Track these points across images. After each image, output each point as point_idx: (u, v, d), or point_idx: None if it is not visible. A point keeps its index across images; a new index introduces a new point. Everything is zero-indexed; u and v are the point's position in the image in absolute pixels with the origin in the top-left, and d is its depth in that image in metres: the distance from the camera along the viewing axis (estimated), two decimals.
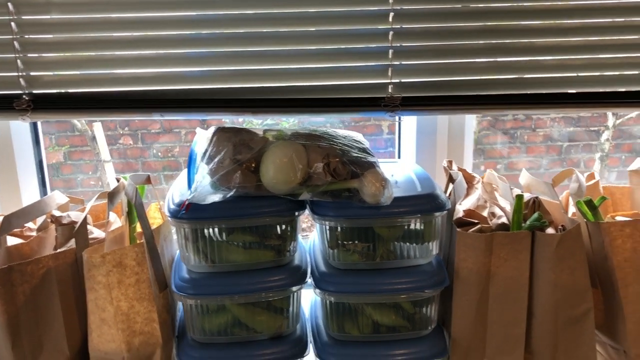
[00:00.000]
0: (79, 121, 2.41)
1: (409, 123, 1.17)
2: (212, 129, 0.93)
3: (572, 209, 1.03)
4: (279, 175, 0.84)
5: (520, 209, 0.93)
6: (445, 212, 0.90)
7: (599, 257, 0.98)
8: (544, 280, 0.92)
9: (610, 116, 2.66)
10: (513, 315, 0.94)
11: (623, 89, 1.07)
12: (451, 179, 1.04)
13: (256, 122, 1.47)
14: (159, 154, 2.55)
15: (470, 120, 1.18)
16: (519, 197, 0.93)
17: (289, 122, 1.67)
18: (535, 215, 0.92)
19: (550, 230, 0.95)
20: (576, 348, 0.96)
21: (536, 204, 0.95)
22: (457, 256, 0.92)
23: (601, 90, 1.06)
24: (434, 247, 0.93)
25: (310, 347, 0.96)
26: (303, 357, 0.94)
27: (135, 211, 0.92)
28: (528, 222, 0.92)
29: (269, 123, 1.43)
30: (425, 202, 0.89)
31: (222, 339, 0.93)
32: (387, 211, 0.87)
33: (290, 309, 0.93)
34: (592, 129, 2.75)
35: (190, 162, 0.92)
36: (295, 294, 0.93)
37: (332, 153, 0.85)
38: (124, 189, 0.93)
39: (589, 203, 0.96)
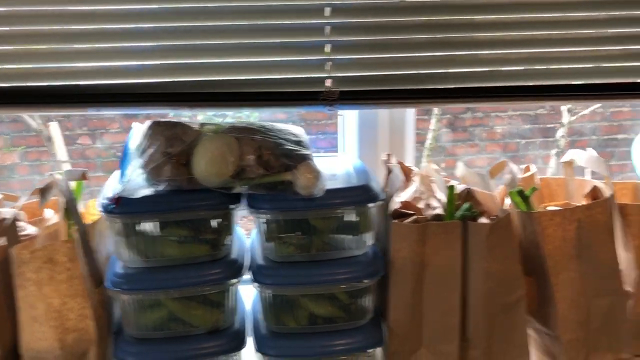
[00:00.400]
0: (34, 120, 2.36)
1: (351, 118, 1.17)
2: (147, 123, 0.91)
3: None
4: (211, 168, 0.83)
5: (452, 200, 0.95)
6: (378, 203, 0.91)
7: (531, 245, 1.00)
8: (477, 269, 0.94)
9: (565, 113, 2.73)
10: (448, 304, 0.95)
11: (578, 82, 1.09)
12: (390, 172, 1.04)
13: (217, 120, 1.46)
14: (118, 153, 2.51)
15: (411, 115, 1.19)
16: (451, 188, 0.94)
17: (253, 116, 1.67)
18: (466, 205, 0.93)
19: (484, 220, 0.96)
20: (510, 334, 0.98)
21: (469, 194, 0.97)
22: (392, 246, 0.93)
23: (547, 83, 1.08)
24: (369, 238, 0.93)
25: (250, 341, 0.95)
26: (240, 350, 0.94)
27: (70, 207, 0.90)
28: (459, 212, 0.93)
29: (229, 120, 1.41)
30: (358, 194, 0.89)
31: (159, 334, 0.91)
32: (321, 203, 0.87)
33: (227, 303, 0.93)
34: (549, 126, 2.82)
35: (124, 157, 0.90)
36: (232, 287, 0.93)
37: (264, 145, 0.84)
38: (57, 185, 0.91)
39: (521, 193, 0.98)
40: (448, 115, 2.73)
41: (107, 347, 0.93)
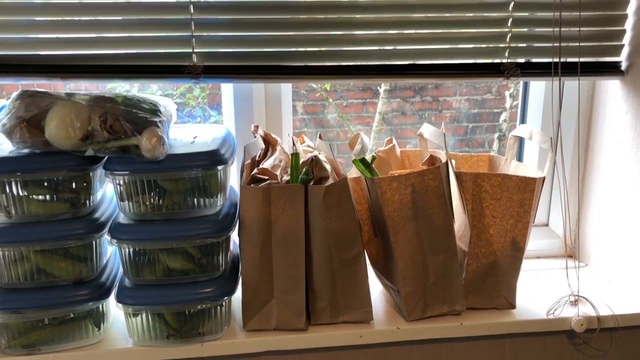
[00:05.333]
0: None
1: (228, 92, 1.23)
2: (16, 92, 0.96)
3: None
4: (59, 131, 0.88)
5: (297, 166, 1.01)
6: (223, 166, 0.97)
7: (376, 208, 1.07)
8: (317, 227, 1.00)
9: (508, 98, 2.80)
10: (294, 259, 1.02)
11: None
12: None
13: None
14: None
15: (287, 89, 1.24)
16: (294, 156, 1.01)
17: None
18: (304, 170, 1.00)
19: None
20: (352, 287, 1.05)
21: (314, 161, 1.03)
22: (241, 207, 1.00)
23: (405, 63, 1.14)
24: (219, 199, 1.00)
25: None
26: (104, 300, 1.00)
27: None
28: (300, 177, 1.00)
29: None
30: (204, 158, 0.95)
31: (26, 284, 0.97)
32: (166, 165, 0.93)
33: (90, 256, 0.98)
34: (496, 110, 2.89)
35: None
36: (95, 242, 0.98)
37: (110, 112, 0.90)
38: None
39: (363, 161, 1.05)
40: (397, 99, 2.79)
41: None
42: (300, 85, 2.28)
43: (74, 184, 0.95)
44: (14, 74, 1.04)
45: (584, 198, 1.32)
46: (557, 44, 1.11)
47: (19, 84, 1.12)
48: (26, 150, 0.93)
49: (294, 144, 1.12)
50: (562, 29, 1.12)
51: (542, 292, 1.18)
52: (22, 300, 0.96)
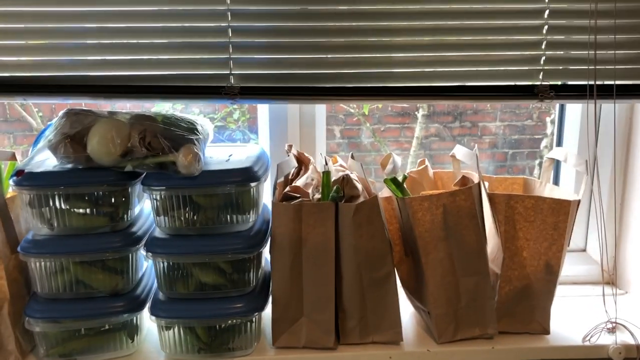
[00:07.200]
0: (34, 120, 2.47)
1: (264, 114, 1.25)
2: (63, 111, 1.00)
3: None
4: (100, 148, 0.92)
5: (328, 184, 1.01)
6: (256, 183, 0.98)
7: (407, 228, 1.06)
8: (347, 245, 1.00)
9: (549, 124, 2.76)
10: (323, 276, 1.01)
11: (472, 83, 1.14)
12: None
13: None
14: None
15: (321, 110, 1.26)
16: (325, 174, 1.01)
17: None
18: (335, 188, 1.00)
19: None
20: (382, 308, 1.04)
21: (345, 180, 1.03)
22: (273, 224, 1.00)
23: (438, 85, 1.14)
24: (252, 215, 1.01)
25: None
26: (138, 312, 1.02)
27: None
28: (330, 195, 1.00)
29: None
30: (238, 175, 0.97)
31: (65, 295, 0.99)
32: (200, 181, 0.95)
33: (127, 269, 1.00)
34: (537, 137, 2.85)
35: (38, 138, 1.00)
36: (132, 255, 1.00)
37: (149, 129, 0.93)
38: None
39: (394, 180, 1.05)
40: (435, 124, 2.77)
41: (22, 305, 1.01)
42: (338, 110, 2.29)
43: (113, 199, 0.97)
44: (61, 93, 1.08)
45: (622, 223, 1.27)
46: (592, 67, 1.09)
47: (67, 104, 1.16)
48: (69, 166, 0.96)
49: (326, 163, 1.12)
50: (597, 52, 1.10)
51: (578, 318, 1.14)
52: (61, 310, 0.99)
